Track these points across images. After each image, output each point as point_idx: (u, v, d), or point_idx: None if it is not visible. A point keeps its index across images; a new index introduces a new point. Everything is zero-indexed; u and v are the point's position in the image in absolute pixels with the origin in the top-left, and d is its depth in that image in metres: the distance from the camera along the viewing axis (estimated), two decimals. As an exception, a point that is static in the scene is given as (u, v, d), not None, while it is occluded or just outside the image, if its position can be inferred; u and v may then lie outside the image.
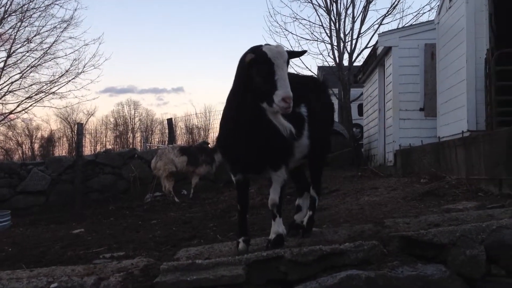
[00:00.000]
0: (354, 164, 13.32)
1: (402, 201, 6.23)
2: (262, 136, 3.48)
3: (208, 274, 3.05)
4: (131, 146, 39.07)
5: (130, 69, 72.08)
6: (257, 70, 3.20)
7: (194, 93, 71.04)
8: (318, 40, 19.17)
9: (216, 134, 12.70)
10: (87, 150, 35.48)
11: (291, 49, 3.97)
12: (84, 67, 21.36)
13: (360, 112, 17.48)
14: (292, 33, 33.65)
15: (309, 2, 17.78)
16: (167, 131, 16.46)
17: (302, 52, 3.66)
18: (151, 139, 38.30)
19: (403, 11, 23.93)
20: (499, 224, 3.32)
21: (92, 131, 42.02)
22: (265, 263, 3.19)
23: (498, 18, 8.24)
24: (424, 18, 17.44)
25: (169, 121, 15.78)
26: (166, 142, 17.16)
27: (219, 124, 3.87)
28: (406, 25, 15.61)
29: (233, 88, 3.55)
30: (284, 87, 3.10)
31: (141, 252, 4.94)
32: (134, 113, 49.01)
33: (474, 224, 3.37)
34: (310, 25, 22.20)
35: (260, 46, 3.30)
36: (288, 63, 3.28)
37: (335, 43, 17.26)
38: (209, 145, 12.51)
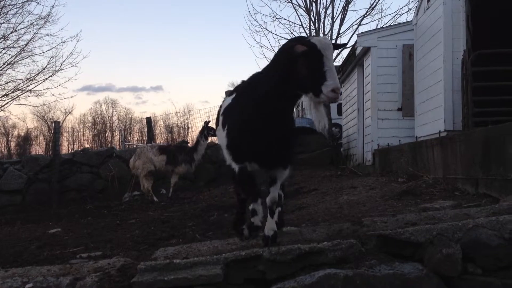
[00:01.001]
0: (333, 164, 13.38)
1: (380, 200, 6.28)
2: (289, 128, 3.60)
3: (186, 274, 3.03)
4: (109, 145, 38.72)
5: (108, 67, 71.55)
6: (306, 60, 3.20)
7: (174, 92, 70.80)
8: (298, 39, 19.16)
9: (196, 133, 12.72)
10: (65, 149, 35.12)
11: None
12: (61, 64, 21.00)
13: (339, 112, 17.57)
14: (272, 33, 33.65)
15: (289, 2, 17.83)
16: (146, 130, 16.35)
17: (344, 44, 3.70)
18: (130, 138, 38.00)
19: (381, 12, 24.18)
20: (475, 223, 3.36)
21: (70, 130, 41.62)
22: (243, 262, 3.18)
23: (475, 19, 8.36)
24: (402, 19, 17.60)
25: (148, 119, 15.68)
26: (145, 141, 17.03)
27: (233, 110, 3.80)
28: (385, 25, 15.76)
29: (268, 75, 3.54)
30: (333, 78, 3.14)
31: (118, 251, 4.91)
32: (113, 111, 48.68)
33: (451, 223, 3.41)
34: (290, 24, 22.39)
35: (306, 37, 3.36)
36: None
37: (315, 43, 17.29)
38: (189, 144, 12.46)
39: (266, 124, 3.48)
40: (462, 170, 6.25)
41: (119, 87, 68.97)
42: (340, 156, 15.02)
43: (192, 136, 24.07)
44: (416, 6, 11.06)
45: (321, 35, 17.21)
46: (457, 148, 6.42)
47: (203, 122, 11.53)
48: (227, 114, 3.89)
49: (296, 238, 3.79)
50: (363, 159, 12.72)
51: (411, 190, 6.52)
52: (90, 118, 48.22)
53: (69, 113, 46.36)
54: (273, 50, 26.85)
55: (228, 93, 4.25)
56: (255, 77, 3.85)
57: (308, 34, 17.48)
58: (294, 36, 19.18)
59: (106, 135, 46.64)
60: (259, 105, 3.50)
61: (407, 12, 18.40)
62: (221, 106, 4.22)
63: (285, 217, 5.90)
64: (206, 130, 11.12)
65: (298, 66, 3.25)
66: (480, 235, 3.26)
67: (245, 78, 4.23)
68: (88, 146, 37.13)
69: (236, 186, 3.90)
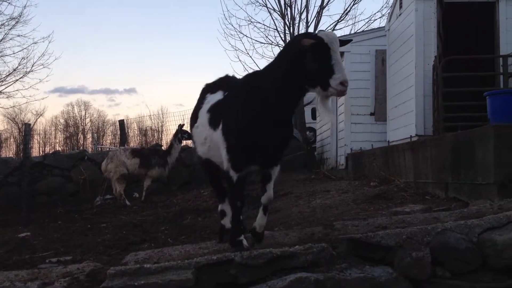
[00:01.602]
0: (307, 167, 13.44)
1: (353, 204, 6.34)
2: (290, 124, 3.65)
3: (157, 279, 3.01)
4: (81, 147, 38.16)
5: (80, 69, 70.51)
6: (314, 54, 3.21)
7: (148, 94, 70.14)
8: (273, 43, 19.25)
9: (170, 136, 12.63)
10: (36, 151, 34.50)
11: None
12: (32, 66, 20.74)
13: (314, 116, 17.68)
14: (247, 36, 33.66)
15: (264, 6, 17.92)
16: (119, 132, 16.19)
17: (349, 41, 3.74)
18: (103, 141, 37.54)
19: (355, 17, 24.49)
20: (444, 227, 3.41)
21: (41, 132, 40.95)
22: (215, 266, 3.17)
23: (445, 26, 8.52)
24: (375, 25, 17.78)
25: (121, 122, 15.54)
26: (118, 144, 16.86)
27: (231, 110, 3.67)
28: (358, 31, 15.94)
29: (275, 72, 3.51)
30: (341, 71, 3.16)
31: (89, 256, 4.84)
32: (85, 114, 48.02)
33: (420, 227, 3.45)
34: (265, 28, 22.36)
35: (313, 32, 3.40)
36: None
37: (289, 47, 17.40)
38: (163, 147, 12.38)
39: (275, 122, 3.48)
40: (433, 174, 6.35)
41: (92, 89, 68.21)
42: (314, 160, 15.11)
43: (167, 139, 23.94)
44: (389, 13, 11.22)
45: (296, 39, 17.32)
46: (428, 153, 6.52)
47: (177, 125, 11.49)
48: (220, 112, 3.76)
49: (268, 242, 3.79)
50: (336, 163, 12.81)
51: (383, 194, 6.59)
52: (62, 121, 47.50)
53: (41, 115, 45.58)
54: (247, 53, 27.00)
55: (211, 88, 4.15)
56: (255, 75, 3.85)
57: (283, 39, 17.59)
58: (269, 40, 19.20)
59: (78, 137, 45.99)
60: (267, 102, 3.46)
61: (380, 18, 18.66)
62: (201, 103, 4.09)
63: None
64: (180, 133, 11.07)
65: (305, 61, 3.25)
66: (449, 238, 3.31)
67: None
68: (60, 149, 36.63)
69: (235, 196, 3.67)
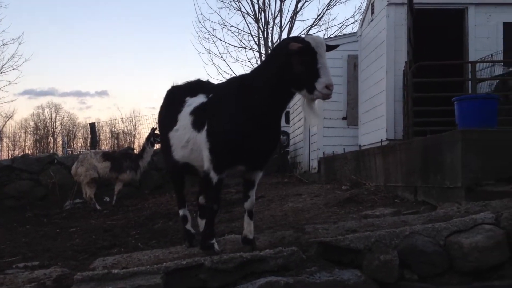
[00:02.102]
0: (280, 171, 13.49)
1: (324, 208, 6.38)
2: (278, 127, 3.72)
3: (125, 284, 2.97)
4: (51, 151, 37.50)
5: (51, 71, 69.18)
6: (300, 58, 3.27)
7: (120, 97, 69.23)
8: (247, 47, 19.34)
9: (143, 139, 12.53)
10: (5, 154, 33.81)
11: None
12: (1, 68, 20.35)
13: (287, 120, 17.76)
14: (220, 40, 33.54)
15: (238, 10, 18.01)
16: (90, 135, 15.99)
17: (336, 46, 3.76)
18: (73, 144, 36.98)
19: (328, 23, 24.58)
20: (412, 230, 3.46)
21: (10, 135, 40.09)
22: (184, 271, 3.15)
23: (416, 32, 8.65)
24: (348, 30, 18.00)
25: (92, 125, 15.37)
26: (89, 147, 16.64)
27: (219, 113, 3.69)
28: (331, 36, 16.10)
29: (263, 75, 3.57)
30: (327, 75, 3.23)
31: (57, 261, 4.76)
32: (56, 116, 47.18)
33: (389, 230, 3.49)
34: (239, 32, 22.47)
35: (300, 36, 3.44)
36: None
37: (263, 51, 17.51)
38: (135, 151, 12.26)
39: (262, 125, 3.54)
40: (402, 178, 6.44)
41: (62, 92, 66.75)
42: (287, 164, 15.18)
43: (139, 143, 23.71)
44: (361, 18, 11.35)
45: (270, 43, 17.41)
46: (398, 157, 6.61)
47: (149, 129, 11.39)
48: (204, 114, 3.76)
49: (239, 246, 3.79)
50: (309, 167, 12.88)
51: (354, 198, 6.65)
52: (32, 123, 46.59)
53: (10, 117, 44.60)
54: (221, 57, 26.93)
55: (187, 91, 4.12)
56: (242, 78, 3.88)
57: (257, 43, 17.67)
58: (242, 44, 19.25)
59: (49, 140, 45.15)
60: (255, 104, 3.51)
61: (352, 23, 18.89)
62: (180, 106, 4.04)
63: (231, 225, 5.92)
64: (153, 137, 10.98)
65: (292, 64, 3.31)
66: (416, 241, 3.36)
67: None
68: (29, 152, 35.94)
69: (213, 198, 3.65)
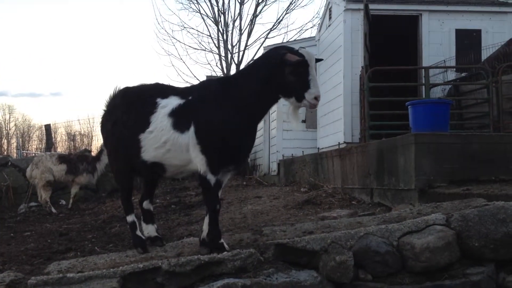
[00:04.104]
0: (240, 174, 13.51)
1: (283, 210, 6.44)
2: (256, 129, 3.99)
3: (80, 288, 2.93)
4: (5, 153, 36.38)
5: (3, 72, 67.06)
6: (293, 69, 3.53)
7: (76, 98, 67.70)
8: (206, 50, 19.28)
9: (101, 141, 12.32)
10: (-46, 157, 32.47)
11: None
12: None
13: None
14: (180, 42, 33.29)
15: (197, 12, 17.97)
16: (45, 137, 15.63)
17: (320, 60, 4.04)
18: (28, 146, 36.00)
19: (287, 27, 24.89)
20: (366, 231, 3.53)
21: (-39, 137, 38.68)
22: (141, 274, 3.13)
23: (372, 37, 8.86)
24: (306, 34, 18.20)
25: (47, 127, 15.03)
26: (44, 149, 16.26)
27: (205, 111, 3.80)
28: (290, 40, 16.25)
29: (252, 79, 3.76)
30: (316, 87, 3.55)
31: (10, 266, 4.63)
32: (9, 118, 45.80)
33: (344, 231, 3.56)
34: (198, 34, 22.29)
35: (292, 47, 3.69)
36: None
37: (223, 54, 17.53)
38: (91, 153, 12.05)
39: (249, 126, 3.80)
40: (359, 180, 6.57)
41: (16, 93, 64.64)
42: (247, 166, 15.22)
43: (96, 144, 23.30)
44: (319, 23, 11.53)
45: (229, 46, 17.45)
46: (354, 160, 6.74)
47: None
48: (188, 115, 3.79)
49: (197, 249, 3.79)
50: (269, 170, 12.98)
51: (312, 200, 6.75)
52: (-16, 125, 45.04)
53: (-40, 119, 43.08)
54: (181, 59, 26.77)
55: (157, 90, 4.11)
56: (227, 81, 4.05)
57: (217, 45, 17.67)
58: (202, 46, 19.03)
59: (2, 142, 43.76)
60: (245, 105, 3.71)
61: (311, 28, 19.14)
62: (152, 107, 3.98)
63: (189, 228, 5.90)
64: (111, 139, 10.81)
65: (285, 73, 3.57)
66: (371, 242, 3.44)
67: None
68: (-18, 154, 34.73)
69: (213, 199, 3.75)
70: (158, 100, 4.00)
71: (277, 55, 3.64)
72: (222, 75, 17.33)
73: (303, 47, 3.70)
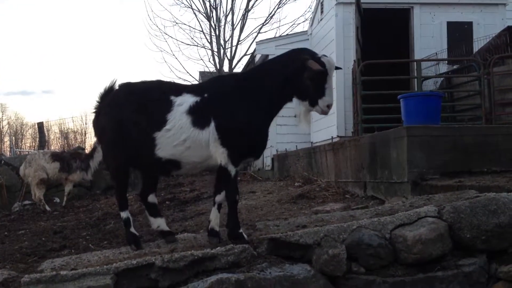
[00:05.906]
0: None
1: (277, 204, 6.46)
2: None
3: (74, 286, 2.95)
4: (-2, 151, 36.22)
5: (-7, 70, 66.58)
6: (313, 76, 3.66)
7: (70, 95, 67.54)
8: (199, 45, 19.17)
9: (94, 138, 12.29)
10: None
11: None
12: None
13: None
14: (172, 37, 33.09)
15: (189, 7, 17.91)
16: (38, 135, 15.59)
17: (339, 68, 4.24)
18: (22, 144, 35.87)
19: (280, 21, 24.76)
20: (359, 224, 3.55)
21: (-46, 136, 38.50)
22: (135, 271, 3.14)
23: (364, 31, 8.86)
24: (299, 29, 18.13)
25: (40, 125, 14.97)
26: (37, 147, 16.22)
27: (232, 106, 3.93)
28: (283, 34, 16.23)
29: (269, 77, 3.91)
30: (331, 95, 3.74)
31: (5, 264, 4.63)
32: (2, 116, 45.59)
33: (337, 225, 3.58)
34: (190, 30, 22.24)
35: (316, 54, 3.80)
36: None
37: (215, 49, 17.49)
38: (85, 150, 12.02)
39: (266, 121, 4.00)
40: (352, 174, 6.59)
41: (8, 91, 64.42)
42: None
43: (90, 141, 23.23)
44: (311, 17, 11.52)
45: (222, 41, 17.42)
46: (348, 153, 6.76)
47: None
48: (204, 112, 3.87)
49: (191, 245, 3.80)
50: (263, 164, 12.98)
51: (306, 194, 6.76)
52: (-24, 123, 44.81)
53: (-48, 118, 42.83)
54: (173, 55, 26.74)
55: (169, 88, 4.13)
56: (242, 79, 4.19)
57: (209, 40, 17.63)
58: (194, 42, 18.97)
59: (-5, 141, 43.59)
60: (264, 100, 3.88)
61: (303, 22, 19.07)
62: (169, 105, 3.94)
63: (184, 223, 5.91)
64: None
65: (304, 77, 3.71)
66: (363, 235, 3.46)
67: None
68: (-25, 153, 34.59)
69: (233, 190, 3.91)
70: (172, 98, 3.99)
71: (299, 58, 3.75)
72: (215, 70, 17.30)
73: (326, 55, 3.81)
